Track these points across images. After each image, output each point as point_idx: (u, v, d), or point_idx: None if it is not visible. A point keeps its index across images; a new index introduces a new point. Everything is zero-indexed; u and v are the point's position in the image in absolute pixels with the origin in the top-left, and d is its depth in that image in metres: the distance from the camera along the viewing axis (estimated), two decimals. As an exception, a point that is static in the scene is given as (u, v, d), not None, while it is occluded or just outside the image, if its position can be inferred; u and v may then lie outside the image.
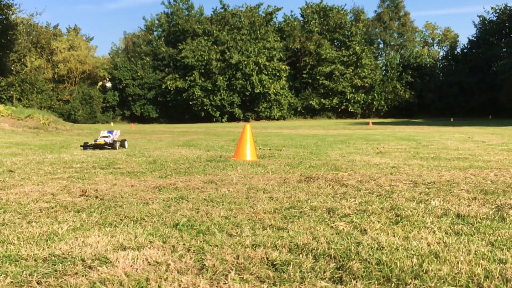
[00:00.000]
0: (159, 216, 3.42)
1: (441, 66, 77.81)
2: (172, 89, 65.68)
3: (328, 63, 69.36)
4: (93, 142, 10.65)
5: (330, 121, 57.16)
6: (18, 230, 2.98)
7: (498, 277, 2.13)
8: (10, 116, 20.91)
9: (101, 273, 2.17)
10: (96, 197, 4.16)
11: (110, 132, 11.26)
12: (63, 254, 2.48)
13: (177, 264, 2.31)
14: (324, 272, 2.21)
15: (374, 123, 41.05)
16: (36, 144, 11.64)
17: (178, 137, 18.37)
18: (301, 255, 2.47)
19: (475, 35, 71.84)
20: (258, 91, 64.67)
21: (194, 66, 64.58)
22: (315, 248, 2.57)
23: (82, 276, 2.16)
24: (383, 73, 72.89)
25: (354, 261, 2.33)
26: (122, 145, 11.13)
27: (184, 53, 64.63)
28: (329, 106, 69.92)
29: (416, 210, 3.60)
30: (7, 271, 2.21)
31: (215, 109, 66.01)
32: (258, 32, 67.45)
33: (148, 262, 2.35)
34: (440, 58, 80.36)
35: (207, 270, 2.24)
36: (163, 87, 66.27)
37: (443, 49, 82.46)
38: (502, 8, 67.29)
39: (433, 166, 6.95)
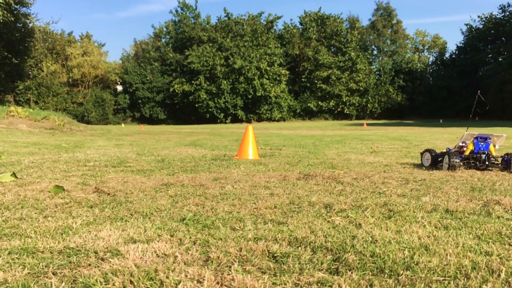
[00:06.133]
0: (167, 211, 3.41)
1: (431, 70, 77.78)
2: (179, 92, 65.77)
3: (325, 68, 69.40)
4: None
5: (327, 123, 57.12)
6: (35, 224, 2.98)
7: (484, 268, 2.12)
8: (28, 117, 20.94)
9: (113, 264, 2.17)
10: (108, 193, 4.16)
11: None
12: (77, 247, 2.49)
13: (183, 256, 2.31)
14: (322, 263, 2.21)
15: (368, 124, 41.00)
16: (51, 144, 11.65)
17: (184, 137, 18.37)
18: (300, 248, 2.46)
19: (463, 42, 71.84)
20: (259, 94, 64.72)
21: (200, 71, 64.64)
22: (313, 241, 2.56)
23: (95, 267, 2.16)
24: (376, 78, 72.89)
25: (350, 254, 2.33)
26: None
27: (190, 59, 64.69)
28: (326, 108, 69.94)
29: (408, 205, 3.59)
30: (25, 263, 2.21)
31: (219, 111, 66.07)
32: (259, 39, 67.50)
33: (157, 254, 2.35)
34: (430, 63, 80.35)
35: (212, 262, 2.24)
36: (170, 90, 66.37)
37: (432, 55, 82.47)
38: (488, 16, 67.26)
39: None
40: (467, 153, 6.08)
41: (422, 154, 6.74)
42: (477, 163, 5.96)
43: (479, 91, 6.83)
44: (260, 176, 5.45)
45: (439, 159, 6.28)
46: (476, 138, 6.10)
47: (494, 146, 6.07)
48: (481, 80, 63.02)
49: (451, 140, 13.80)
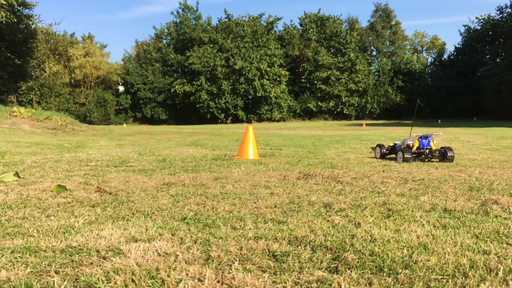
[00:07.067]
0: (168, 211, 3.42)
1: (429, 71, 77.77)
2: (180, 93, 65.75)
3: (324, 68, 69.37)
4: None
5: (327, 123, 57.09)
6: (38, 223, 2.99)
7: (482, 267, 2.12)
8: (30, 118, 20.95)
9: (115, 263, 2.17)
10: (110, 193, 4.16)
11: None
12: (79, 245, 2.49)
13: (185, 255, 2.31)
14: (321, 262, 2.21)
15: (367, 125, 41.00)
16: (54, 144, 11.65)
17: (185, 137, 18.37)
18: (299, 247, 2.46)
19: (461, 43, 71.80)
20: (260, 94, 64.72)
21: (201, 71, 64.64)
22: (313, 240, 2.56)
23: (97, 266, 2.16)
24: (375, 78, 72.86)
25: (349, 252, 2.33)
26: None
27: (191, 60, 64.69)
28: (326, 109, 69.93)
29: (406, 205, 3.59)
30: (28, 262, 2.21)
31: (220, 112, 66.06)
32: (260, 40, 67.48)
33: (158, 253, 2.35)
34: (428, 64, 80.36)
35: (213, 260, 2.24)
36: (172, 91, 66.35)
37: (431, 56, 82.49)
38: (486, 17, 67.26)
39: (422, 164, 6.95)
40: (414, 149, 7.45)
41: (374, 148, 8.28)
42: (423, 156, 7.39)
43: (418, 100, 8.47)
44: (260, 175, 5.45)
45: (387, 152, 7.92)
46: (420, 137, 7.49)
47: (433, 142, 7.50)
48: (479, 80, 62.99)
49: (449, 140, 13.81)
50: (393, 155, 7.89)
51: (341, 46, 71.88)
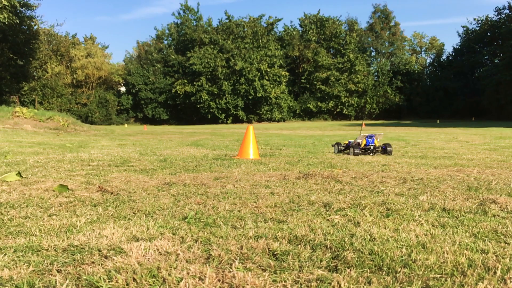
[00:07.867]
0: (169, 210, 3.41)
1: (428, 72, 77.70)
2: (181, 93, 65.78)
3: (324, 69, 69.37)
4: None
5: (326, 123, 57.10)
6: (40, 222, 2.98)
7: (480, 266, 2.12)
8: (33, 118, 20.95)
9: (116, 262, 2.17)
10: (112, 192, 4.16)
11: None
12: (81, 244, 2.49)
13: (185, 254, 2.31)
14: (321, 261, 2.21)
15: (366, 125, 40.99)
16: (56, 144, 11.65)
17: (186, 137, 18.36)
18: (299, 246, 2.46)
19: (459, 44, 71.76)
20: (260, 95, 64.70)
21: (201, 72, 64.64)
22: (313, 239, 2.56)
23: (99, 265, 2.16)
24: (375, 79, 72.83)
25: (348, 251, 2.33)
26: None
27: (192, 60, 64.70)
28: (325, 109, 69.90)
29: (405, 204, 3.59)
30: (30, 261, 2.21)
31: (220, 112, 66.05)
32: (260, 41, 67.49)
33: (159, 252, 2.35)
34: (427, 64, 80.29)
35: (213, 259, 2.24)
36: (173, 91, 66.38)
37: (430, 57, 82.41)
38: (484, 19, 67.25)
39: (421, 164, 6.94)
40: (362, 145, 9.00)
41: (333, 145, 9.65)
42: (368, 151, 8.89)
43: (363, 124, 10.40)
44: (261, 175, 5.45)
45: (343, 148, 9.25)
46: (367, 136, 9.06)
47: (377, 140, 9.06)
48: (478, 81, 63.01)
49: (448, 140, 13.83)
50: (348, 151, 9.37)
51: (340, 47, 71.86)
